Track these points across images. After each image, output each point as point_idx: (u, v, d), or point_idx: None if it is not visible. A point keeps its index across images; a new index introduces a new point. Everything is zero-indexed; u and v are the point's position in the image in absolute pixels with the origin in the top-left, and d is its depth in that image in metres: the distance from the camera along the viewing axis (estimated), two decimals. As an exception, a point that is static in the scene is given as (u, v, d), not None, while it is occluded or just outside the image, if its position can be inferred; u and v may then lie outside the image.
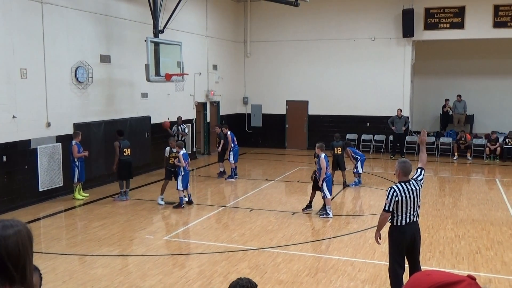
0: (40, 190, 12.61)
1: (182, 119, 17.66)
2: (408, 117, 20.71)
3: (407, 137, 20.89)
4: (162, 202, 12.54)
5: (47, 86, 12.71)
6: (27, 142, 12.25)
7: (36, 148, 12.46)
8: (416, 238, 6.54)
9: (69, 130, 13.46)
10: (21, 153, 12.12)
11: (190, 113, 19.07)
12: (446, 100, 22.15)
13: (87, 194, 13.24)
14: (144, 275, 7.85)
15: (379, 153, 21.27)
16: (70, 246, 9.44)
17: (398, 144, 20.48)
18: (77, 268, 8.25)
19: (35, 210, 11.96)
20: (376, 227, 6.85)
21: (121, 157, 12.84)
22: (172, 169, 12.66)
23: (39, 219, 11.33)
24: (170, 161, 12.65)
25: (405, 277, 6.59)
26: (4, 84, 11.57)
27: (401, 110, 20.32)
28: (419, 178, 6.55)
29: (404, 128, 20.19)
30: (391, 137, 20.83)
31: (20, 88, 11.94)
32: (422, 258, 7.25)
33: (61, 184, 13.23)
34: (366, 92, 21.61)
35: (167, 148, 12.82)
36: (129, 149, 12.98)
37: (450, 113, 22.21)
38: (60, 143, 13.13)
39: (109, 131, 14.52)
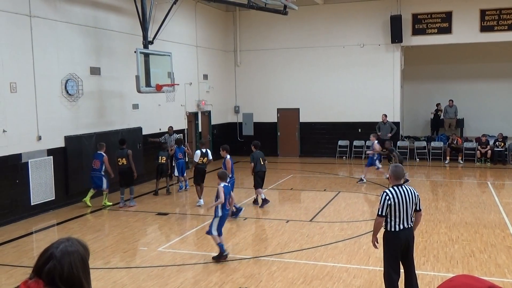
0: (32, 204, 12.52)
1: (173, 129, 17.64)
2: (393, 123, 20.51)
3: (398, 142, 20.95)
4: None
5: (37, 99, 12.66)
6: (18, 156, 12.17)
7: (27, 162, 12.38)
8: (409, 243, 6.55)
9: (60, 143, 13.40)
10: (12, 168, 12.04)
11: (181, 123, 19.04)
12: (438, 104, 22.28)
13: (90, 205, 13.36)
14: (139, 287, 7.80)
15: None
16: (64, 260, 9.35)
17: (384, 150, 20.50)
18: (71, 282, 8.16)
19: (27, 224, 11.87)
20: (371, 233, 6.88)
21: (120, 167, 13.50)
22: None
23: (31, 233, 11.24)
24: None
25: (400, 282, 6.60)
26: (-6, 98, 11.53)
27: (386, 116, 20.37)
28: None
29: (390, 134, 20.15)
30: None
31: (10, 102, 11.88)
32: (416, 263, 7.26)
33: (53, 198, 13.14)
34: (357, 98, 21.71)
35: None
36: (123, 159, 13.51)
37: (441, 117, 22.33)
38: (52, 157, 13.06)
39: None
